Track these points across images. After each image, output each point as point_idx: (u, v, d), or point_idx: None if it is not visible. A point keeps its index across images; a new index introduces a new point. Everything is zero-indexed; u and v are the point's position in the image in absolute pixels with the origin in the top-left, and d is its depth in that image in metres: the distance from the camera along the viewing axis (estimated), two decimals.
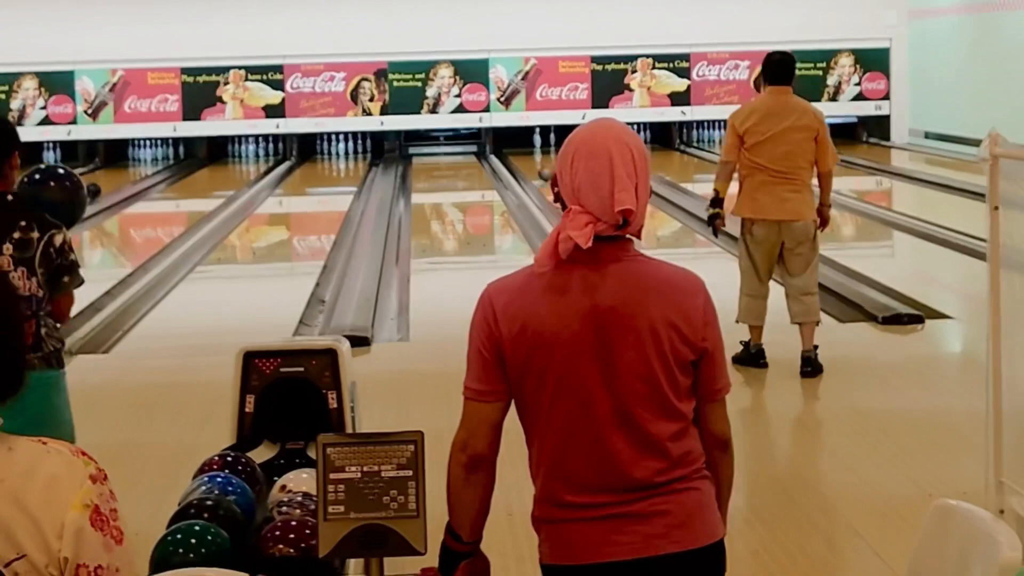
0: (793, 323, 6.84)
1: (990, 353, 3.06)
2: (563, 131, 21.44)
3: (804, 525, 4.88)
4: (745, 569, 4.43)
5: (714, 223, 6.97)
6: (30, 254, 3.88)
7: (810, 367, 6.77)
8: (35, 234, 3.89)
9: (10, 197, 3.92)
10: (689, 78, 20.77)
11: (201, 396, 6.47)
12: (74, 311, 8.43)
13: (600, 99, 20.65)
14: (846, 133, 20.09)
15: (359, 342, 7.78)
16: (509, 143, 20.47)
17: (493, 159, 19.70)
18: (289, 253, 13.28)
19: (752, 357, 6.91)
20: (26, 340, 1.75)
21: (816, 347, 6.81)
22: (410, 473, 2.58)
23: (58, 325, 4.15)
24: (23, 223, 3.88)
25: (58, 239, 3.94)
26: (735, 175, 6.92)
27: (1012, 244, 2.97)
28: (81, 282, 4.10)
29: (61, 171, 4.46)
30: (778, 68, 6.89)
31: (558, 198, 2.49)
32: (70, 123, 20.37)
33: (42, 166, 4.47)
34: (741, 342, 6.95)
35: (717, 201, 6.92)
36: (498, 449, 2.50)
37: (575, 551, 2.45)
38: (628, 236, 2.46)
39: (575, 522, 2.45)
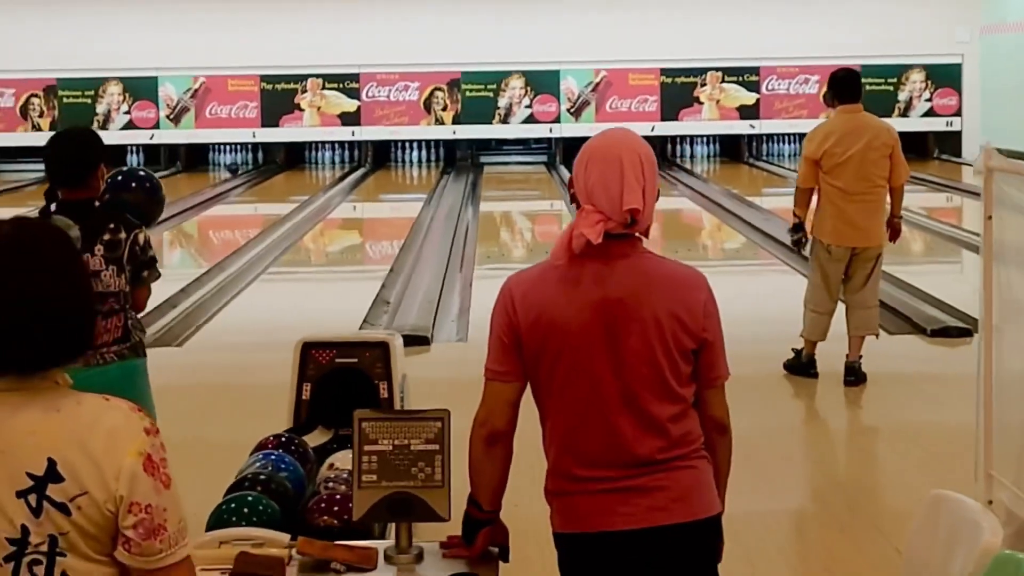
0: (851, 335, 6.96)
1: (981, 352, 3.26)
2: None
3: (831, 524, 5.07)
4: (768, 562, 4.63)
5: (799, 245, 7.09)
6: (119, 253, 4.19)
7: (853, 376, 6.93)
8: (122, 235, 4.20)
9: (96, 203, 4.26)
10: (759, 92, 20.88)
11: (264, 386, 6.76)
12: (151, 306, 8.82)
13: (669, 112, 20.84)
14: (917, 149, 20.08)
15: (419, 341, 8.10)
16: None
17: (563, 169, 19.93)
18: (359, 256, 13.63)
19: (803, 366, 7.04)
20: (92, 300, 2.02)
21: (860, 357, 6.96)
22: (437, 447, 2.84)
23: (139, 316, 4.46)
24: (111, 225, 4.19)
25: (141, 237, 4.26)
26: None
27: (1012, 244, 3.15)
28: (158, 276, 4.41)
29: (142, 173, 4.77)
30: (846, 85, 6.91)
31: (574, 199, 2.75)
32: (153, 128, 20.96)
33: (124, 168, 4.76)
34: (793, 349, 7.11)
35: (799, 227, 7.00)
36: (515, 426, 2.76)
37: (583, 520, 2.69)
38: (637, 235, 2.71)
39: (583, 494, 2.69)
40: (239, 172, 16.94)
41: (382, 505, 2.84)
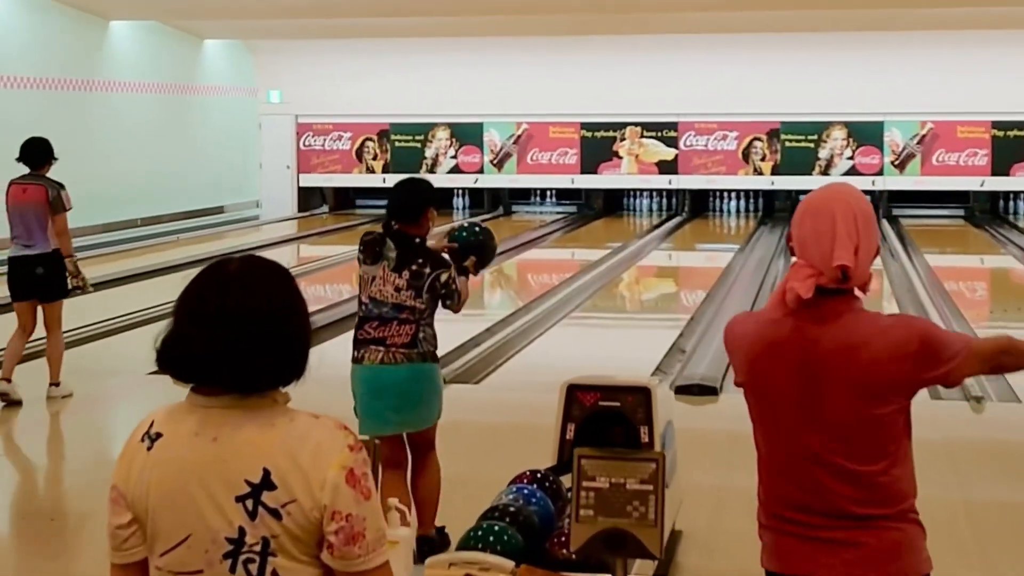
0: None
1: None
2: (959, 197, 20.89)
3: None
4: None
5: None
6: (420, 283, 5.00)
7: None
8: (427, 270, 5.01)
9: (417, 240, 5.04)
10: None
11: (543, 426, 7.00)
12: (455, 344, 9.26)
13: (1000, 166, 19.99)
14: None
15: (707, 391, 8.14)
16: (903, 206, 20.16)
17: (884, 223, 19.46)
18: (665, 304, 13.75)
19: None
20: (309, 332, 2.23)
21: None
22: (651, 488, 2.95)
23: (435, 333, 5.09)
24: (420, 260, 5.01)
25: (443, 277, 5.03)
26: None
27: None
28: (458, 304, 5.09)
29: (477, 228, 5.44)
30: None
31: (792, 252, 2.79)
32: (477, 172, 21.83)
33: (465, 223, 5.50)
34: None
35: None
36: None
37: (785, 561, 2.74)
38: (852, 291, 2.73)
39: (788, 536, 2.73)
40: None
41: (598, 539, 2.97)
